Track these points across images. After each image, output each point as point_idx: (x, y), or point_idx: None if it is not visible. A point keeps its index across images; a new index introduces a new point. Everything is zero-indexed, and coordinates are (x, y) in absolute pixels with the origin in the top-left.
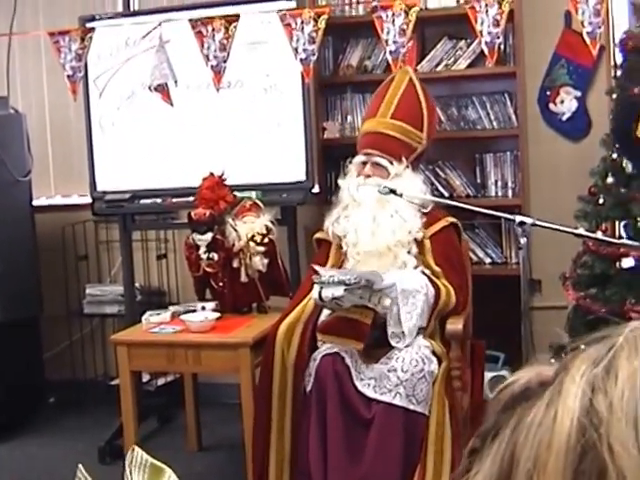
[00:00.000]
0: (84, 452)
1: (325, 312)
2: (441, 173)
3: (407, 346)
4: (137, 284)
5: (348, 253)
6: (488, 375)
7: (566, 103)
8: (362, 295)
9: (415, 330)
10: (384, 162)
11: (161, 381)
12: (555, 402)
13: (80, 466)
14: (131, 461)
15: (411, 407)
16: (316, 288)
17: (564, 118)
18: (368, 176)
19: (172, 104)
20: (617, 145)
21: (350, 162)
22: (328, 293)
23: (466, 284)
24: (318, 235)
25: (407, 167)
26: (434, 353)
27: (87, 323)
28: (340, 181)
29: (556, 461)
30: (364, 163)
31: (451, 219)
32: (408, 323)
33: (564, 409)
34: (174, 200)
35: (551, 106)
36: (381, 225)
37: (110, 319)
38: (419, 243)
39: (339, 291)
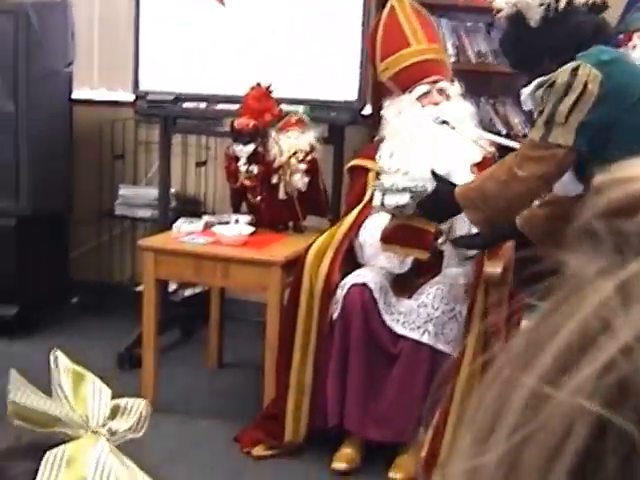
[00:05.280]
0: (102, 356)
1: (372, 225)
2: (501, 109)
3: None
4: (173, 190)
5: None
6: None
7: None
8: None
9: None
10: (447, 85)
11: (188, 292)
12: None
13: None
14: (57, 364)
15: (439, 346)
16: (378, 195)
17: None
18: (436, 103)
19: (224, 4)
20: None
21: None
22: (392, 201)
23: None
24: (355, 162)
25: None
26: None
27: (117, 225)
28: (399, 114)
29: None
30: (425, 93)
31: (492, 149)
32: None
33: None
34: (218, 107)
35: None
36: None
37: (141, 223)
38: None
39: (404, 198)
